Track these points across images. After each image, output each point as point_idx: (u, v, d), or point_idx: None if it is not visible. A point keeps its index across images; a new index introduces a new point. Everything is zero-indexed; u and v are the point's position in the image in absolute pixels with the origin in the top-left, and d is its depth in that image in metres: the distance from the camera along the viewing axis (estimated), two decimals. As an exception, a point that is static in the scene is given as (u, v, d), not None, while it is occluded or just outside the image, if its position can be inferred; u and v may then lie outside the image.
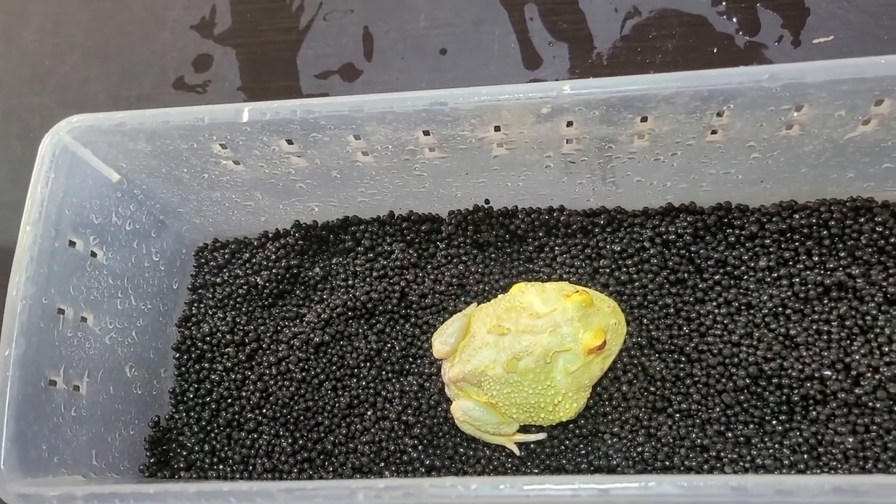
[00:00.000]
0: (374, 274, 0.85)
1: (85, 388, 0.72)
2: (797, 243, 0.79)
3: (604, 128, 0.69)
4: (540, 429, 0.76)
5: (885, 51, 0.69)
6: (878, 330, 0.73)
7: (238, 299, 0.87)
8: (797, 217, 0.79)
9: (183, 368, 0.84)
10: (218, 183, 0.79)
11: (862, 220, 0.77)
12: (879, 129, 0.68)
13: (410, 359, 0.82)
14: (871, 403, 0.70)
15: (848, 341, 0.74)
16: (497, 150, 0.73)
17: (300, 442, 0.79)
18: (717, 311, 0.78)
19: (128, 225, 0.79)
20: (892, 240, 0.76)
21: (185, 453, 0.80)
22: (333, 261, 0.88)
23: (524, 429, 0.75)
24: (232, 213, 0.85)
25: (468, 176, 0.79)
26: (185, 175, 0.78)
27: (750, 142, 0.70)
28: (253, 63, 1.02)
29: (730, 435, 0.73)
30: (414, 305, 0.83)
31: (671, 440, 0.73)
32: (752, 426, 0.73)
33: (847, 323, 0.74)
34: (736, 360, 0.75)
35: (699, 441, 0.72)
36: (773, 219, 0.79)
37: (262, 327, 0.85)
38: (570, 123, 0.69)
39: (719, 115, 0.66)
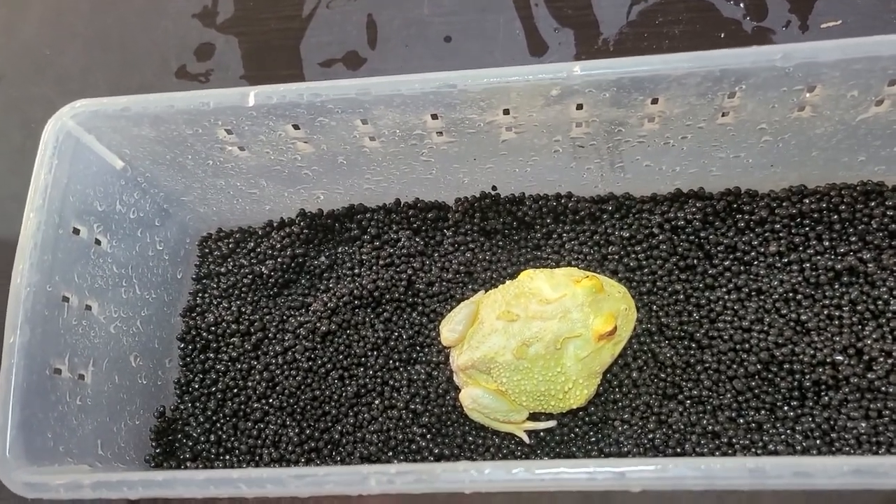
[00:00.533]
0: (381, 262, 0.84)
1: (90, 377, 0.71)
2: (807, 228, 0.78)
3: (614, 110, 0.68)
4: (549, 416, 0.75)
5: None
6: (889, 314, 0.73)
7: (243, 289, 0.86)
8: (807, 202, 0.78)
9: (188, 358, 0.84)
10: (222, 170, 0.78)
11: (873, 204, 0.77)
12: (892, 110, 0.67)
13: (418, 347, 0.81)
14: (883, 388, 0.69)
15: (859, 326, 0.73)
16: (505, 135, 0.73)
17: (307, 432, 0.78)
18: (727, 296, 0.77)
19: (132, 213, 0.78)
20: (904, 223, 0.75)
21: (190, 444, 0.80)
22: (339, 249, 0.87)
23: (533, 416, 0.75)
24: (236, 201, 0.85)
25: (476, 161, 0.78)
26: (190, 162, 0.77)
27: (761, 124, 0.70)
28: (256, 52, 1.01)
29: (741, 421, 0.72)
30: (421, 294, 0.82)
31: (682, 427, 0.72)
32: (763, 412, 0.72)
33: (858, 308, 0.74)
34: (747, 345, 0.74)
35: (710, 427, 0.72)
36: (783, 203, 0.79)
37: (267, 317, 0.84)
38: (579, 106, 0.68)
39: (731, 96, 0.66)
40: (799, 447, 0.69)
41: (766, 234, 0.79)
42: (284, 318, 0.84)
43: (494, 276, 0.82)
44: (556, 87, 0.64)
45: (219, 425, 0.80)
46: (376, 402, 0.78)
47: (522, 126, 0.71)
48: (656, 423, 0.73)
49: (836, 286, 0.75)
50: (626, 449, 0.72)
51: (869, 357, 0.70)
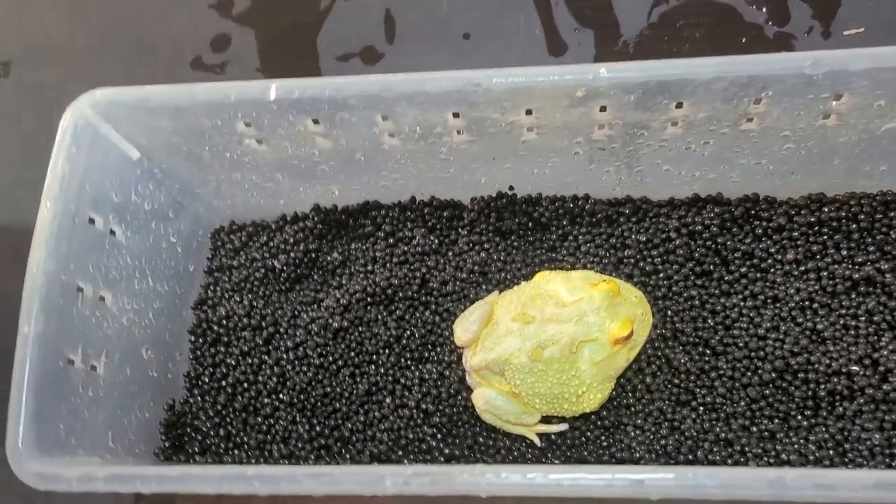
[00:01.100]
0: (395, 260, 0.83)
1: (102, 368, 0.71)
2: (825, 237, 0.77)
3: (638, 113, 0.67)
4: (561, 419, 0.74)
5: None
6: (907, 326, 0.72)
7: (255, 283, 0.85)
8: (826, 210, 0.77)
9: (198, 352, 0.83)
10: (239, 163, 0.78)
11: (892, 214, 0.76)
12: (918, 121, 0.67)
13: (430, 346, 0.80)
14: (899, 400, 0.69)
15: (876, 337, 0.73)
16: (527, 135, 0.72)
17: (317, 428, 0.77)
18: (742, 303, 0.77)
19: (147, 204, 0.78)
20: (923, 235, 0.75)
21: (200, 437, 0.79)
22: (353, 246, 0.86)
23: (545, 419, 0.74)
24: (251, 194, 0.84)
25: (494, 161, 0.77)
26: (206, 154, 0.76)
27: (785, 131, 0.69)
28: (272, 44, 1.00)
29: (755, 429, 0.72)
30: (434, 292, 0.82)
31: (695, 434, 0.72)
32: (777, 421, 0.72)
33: (875, 318, 0.73)
34: (762, 353, 0.74)
35: (723, 435, 0.71)
36: (802, 211, 0.78)
37: (279, 311, 0.83)
38: (603, 108, 0.67)
39: (756, 102, 0.65)
40: (812, 457, 0.69)
41: (784, 242, 0.78)
42: (296, 313, 0.83)
43: (509, 276, 0.81)
44: (582, 88, 0.64)
45: (228, 420, 0.80)
46: (387, 400, 0.78)
47: (544, 127, 0.70)
48: (669, 429, 0.73)
49: (853, 296, 0.75)
50: (638, 455, 0.72)
51: (885, 368, 0.70)
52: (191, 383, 0.82)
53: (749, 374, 0.73)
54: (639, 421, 0.74)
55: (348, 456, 0.76)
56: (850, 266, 0.76)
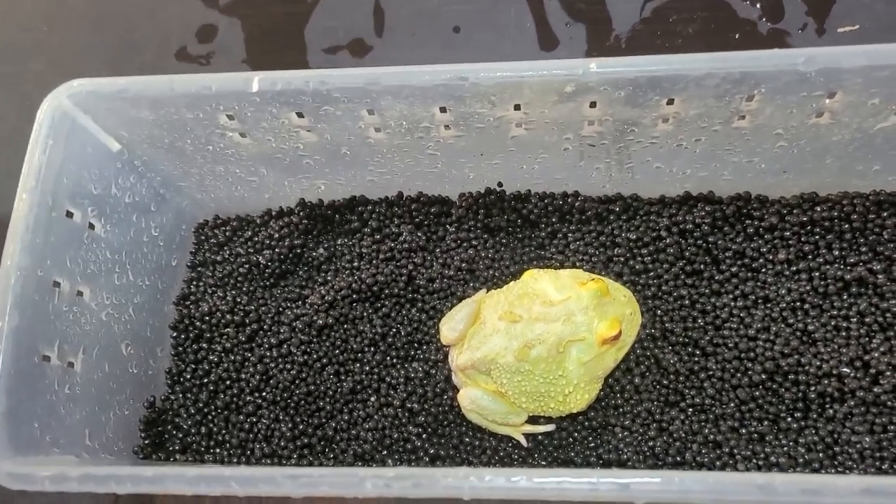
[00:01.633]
0: (381, 256, 0.82)
1: (79, 365, 0.69)
2: (818, 237, 0.77)
3: (628, 109, 0.66)
4: (548, 420, 0.73)
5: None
6: (898, 327, 0.71)
7: (239, 278, 0.84)
8: (818, 210, 0.76)
9: (180, 348, 0.82)
10: (222, 156, 0.76)
11: (885, 214, 0.75)
12: (912, 120, 0.66)
13: (416, 344, 0.79)
14: (889, 402, 0.68)
15: (867, 338, 0.72)
16: (515, 131, 0.71)
17: (300, 427, 0.76)
18: (733, 303, 0.76)
19: (127, 197, 0.76)
20: (916, 236, 0.74)
21: (180, 435, 0.78)
22: (338, 241, 0.85)
23: (532, 419, 0.73)
24: (235, 188, 0.82)
25: (482, 157, 0.76)
26: (189, 147, 0.75)
27: (777, 129, 0.68)
28: (259, 35, 0.98)
29: (744, 431, 0.71)
30: (421, 290, 0.80)
31: (683, 435, 0.71)
32: (766, 423, 0.71)
33: (867, 320, 0.72)
34: (752, 354, 0.73)
35: (712, 437, 0.70)
36: (794, 211, 0.77)
37: (263, 308, 0.82)
38: (593, 104, 0.66)
39: (749, 99, 0.64)
40: (801, 460, 0.68)
41: (776, 241, 0.77)
42: (280, 309, 0.82)
43: (497, 274, 0.80)
44: (571, 83, 0.62)
45: (210, 417, 0.78)
46: (372, 399, 0.77)
47: (533, 122, 0.69)
48: (657, 430, 0.72)
49: (845, 297, 0.74)
50: (625, 456, 0.71)
51: (876, 370, 0.69)
52: (172, 380, 0.81)
53: (739, 375, 0.72)
54: (627, 422, 0.73)
55: (332, 455, 0.75)
56: (842, 266, 0.75)
